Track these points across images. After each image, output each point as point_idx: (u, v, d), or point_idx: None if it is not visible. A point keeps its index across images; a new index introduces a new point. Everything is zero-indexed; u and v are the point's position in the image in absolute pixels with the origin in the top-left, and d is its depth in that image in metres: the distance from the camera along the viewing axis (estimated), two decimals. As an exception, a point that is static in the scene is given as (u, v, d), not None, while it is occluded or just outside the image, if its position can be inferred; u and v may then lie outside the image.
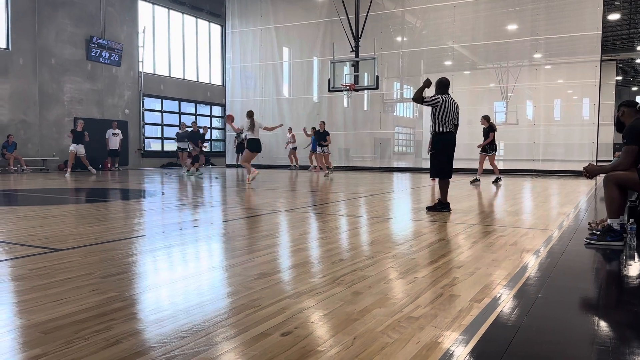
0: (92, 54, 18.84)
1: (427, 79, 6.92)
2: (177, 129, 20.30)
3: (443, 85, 6.82)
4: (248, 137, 11.83)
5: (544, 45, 18.96)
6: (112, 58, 19.57)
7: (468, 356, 2.04)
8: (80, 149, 15.06)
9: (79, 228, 5.32)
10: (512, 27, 19.68)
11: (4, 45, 16.41)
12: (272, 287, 3.03)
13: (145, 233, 5.17)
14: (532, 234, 5.06)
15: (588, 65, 17.59)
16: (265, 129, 12.28)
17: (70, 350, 2.02)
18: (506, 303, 2.75)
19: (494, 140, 12.57)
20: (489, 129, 12.47)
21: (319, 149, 16.14)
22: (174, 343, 2.12)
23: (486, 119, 12.51)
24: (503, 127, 24.78)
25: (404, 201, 9.14)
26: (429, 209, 6.87)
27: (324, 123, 16.52)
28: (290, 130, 21.06)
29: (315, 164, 17.61)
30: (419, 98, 6.73)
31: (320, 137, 16.14)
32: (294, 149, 20.87)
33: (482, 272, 3.39)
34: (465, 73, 25.09)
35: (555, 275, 3.39)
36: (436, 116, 6.71)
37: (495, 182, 12.36)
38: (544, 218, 6.44)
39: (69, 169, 14.93)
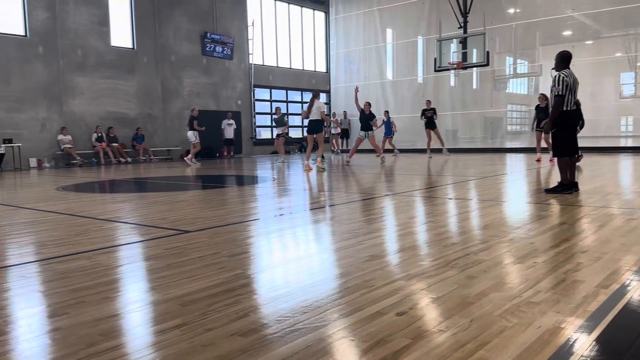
0: (207, 49, 20.00)
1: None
2: (297, 117, 21.18)
3: (565, 59, 6.32)
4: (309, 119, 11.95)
5: (680, 6, 16.84)
6: (224, 52, 20.64)
7: (594, 343, 1.95)
8: (196, 137, 15.29)
9: (203, 212, 5.77)
10: (641, -12, 17.68)
11: (130, 46, 17.99)
12: (384, 269, 3.09)
13: (260, 217, 5.47)
14: (668, 217, 4.61)
15: None
16: (321, 114, 12.06)
17: (206, 321, 2.24)
18: (637, 290, 2.56)
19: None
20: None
21: (361, 132, 14.07)
22: (297, 317, 2.26)
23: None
24: (631, 100, 22.53)
25: (520, 183, 8.71)
26: (548, 191, 6.50)
27: (369, 104, 14.28)
28: (334, 115, 21.07)
29: (390, 147, 16.67)
30: (560, 104, 6.16)
31: (364, 119, 14.04)
32: (336, 134, 20.97)
33: (609, 258, 3.18)
34: (587, 43, 23.07)
35: (697, 262, 3.09)
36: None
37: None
38: (682, 199, 5.82)
39: (192, 158, 15.78)
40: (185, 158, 16.05)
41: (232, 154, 20.01)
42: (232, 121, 19.48)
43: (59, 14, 15.92)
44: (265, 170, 12.94)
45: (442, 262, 3.20)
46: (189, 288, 2.74)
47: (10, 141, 14.56)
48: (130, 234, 4.59)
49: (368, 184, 8.95)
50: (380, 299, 2.49)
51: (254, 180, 10.48)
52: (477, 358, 1.84)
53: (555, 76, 6.25)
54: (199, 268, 3.15)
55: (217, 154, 20.14)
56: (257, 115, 22.62)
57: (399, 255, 3.51)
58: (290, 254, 3.81)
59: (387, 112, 17.68)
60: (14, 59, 15.07)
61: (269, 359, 1.87)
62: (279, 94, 23.65)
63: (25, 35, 15.36)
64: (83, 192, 8.50)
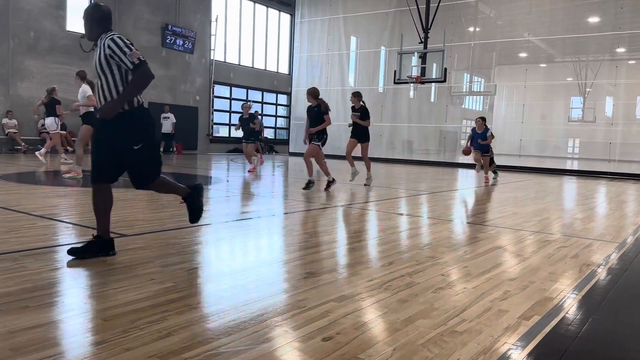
0: (167, 41, 19.60)
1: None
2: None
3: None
4: None
5: (627, 39, 17.78)
6: (185, 45, 20.28)
7: (508, 379, 2.01)
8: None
9: (146, 213, 5.62)
10: (593, 19, 18.58)
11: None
12: (319, 288, 3.09)
13: (211, 221, 5.38)
14: (597, 245, 4.83)
15: (677, 62, 16.35)
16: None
17: (125, 339, 2.18)
18: (556, 322, 2.66)
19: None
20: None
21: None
22: (221, 340, 2.23)
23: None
24: (579, 124, 23.57)
25: (467, 201, 8.94)
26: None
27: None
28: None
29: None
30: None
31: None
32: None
33: (536, 287, 3.30)
34: (541, 66, 24.01)
35: (615, 295, 3.24)
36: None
37: None
38: (613, 228, 6.11)
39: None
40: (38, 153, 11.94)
41: (172, 150, 19.30)
42: (169, 114, 18.78)
43: (12, -8, 15.25)
44: (220, 170, 12.77)
45: (378, 283, 3.23)
46: (114, 301, 2.65)
47: (-52, 122, 13.83)
48: (63, 234, 4.41)
49: (322, 193, 8.98)
50: (310, 322, 2.49)
51: (207, 180, 10.32)
52: (393, 391, 1.86)
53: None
54: (128, 278, 3.06)
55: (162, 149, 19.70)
56: (215, 112, 22.34)
57: (336, 273, 3.52)
58: (233, 265, 3.75)
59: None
60: (-41, 35, 14.33)
61: (185, 385, 1.83)
62: (239, 92, 23.46)
63: (-27, 12, 14.64)
64: (23, 183, 8.14)
